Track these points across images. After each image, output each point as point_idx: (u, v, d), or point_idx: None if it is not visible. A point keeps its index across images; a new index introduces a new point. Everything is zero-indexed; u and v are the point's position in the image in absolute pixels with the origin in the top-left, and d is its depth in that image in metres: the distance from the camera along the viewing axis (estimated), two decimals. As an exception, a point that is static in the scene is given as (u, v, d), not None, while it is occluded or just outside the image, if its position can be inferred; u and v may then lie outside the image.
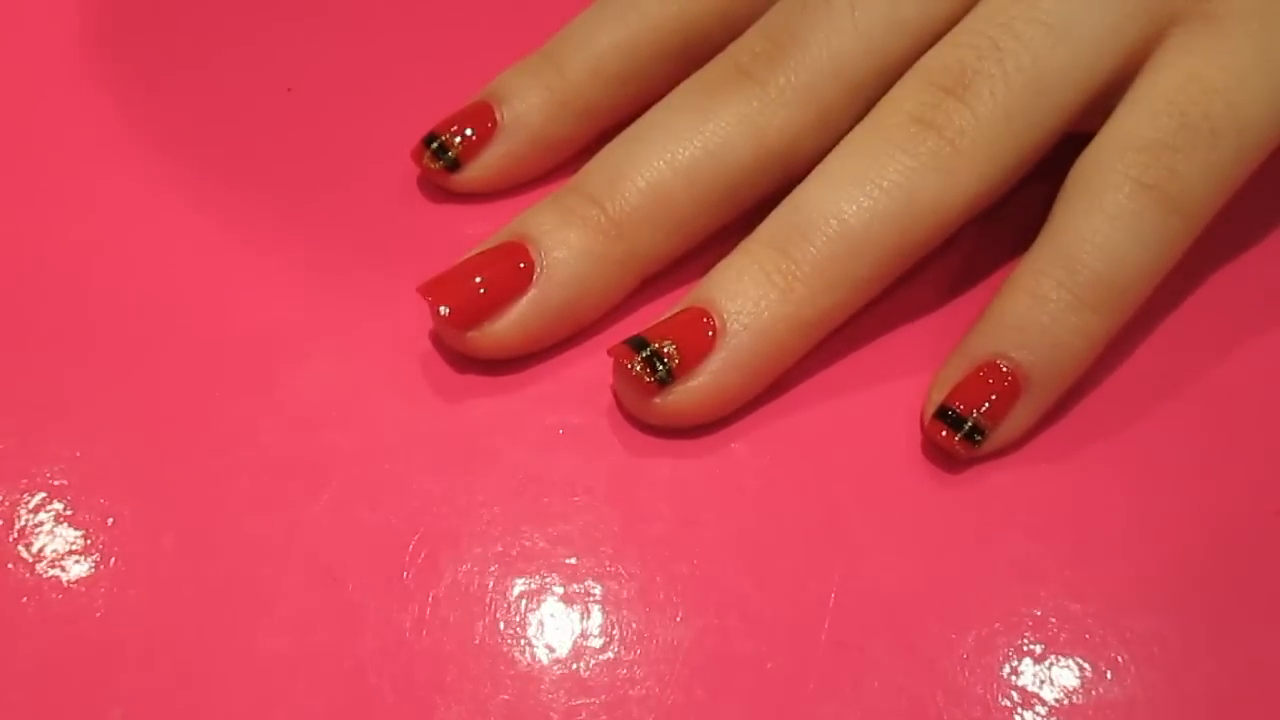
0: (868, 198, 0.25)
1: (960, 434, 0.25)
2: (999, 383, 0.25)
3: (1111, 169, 0.25)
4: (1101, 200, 0.25)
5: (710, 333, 0.25)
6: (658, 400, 0.25)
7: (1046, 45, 0.26)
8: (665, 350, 0.25)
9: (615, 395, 0.26)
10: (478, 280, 0.26)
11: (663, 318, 0.26)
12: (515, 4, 0.33)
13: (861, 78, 0.27)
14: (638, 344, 0.25)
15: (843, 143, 0.26)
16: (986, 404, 0.25)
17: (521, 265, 0.26)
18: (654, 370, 0.25)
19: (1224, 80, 0.25)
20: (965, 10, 0.27)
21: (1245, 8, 0.26)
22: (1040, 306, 0.25)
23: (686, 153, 0.26)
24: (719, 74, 0.27)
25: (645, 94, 0.29)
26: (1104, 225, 0.25)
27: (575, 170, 0.28)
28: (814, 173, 0.26)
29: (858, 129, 0.26)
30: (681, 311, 0.26)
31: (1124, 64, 0.26)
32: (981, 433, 0.25)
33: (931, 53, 0.27)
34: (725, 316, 0.25)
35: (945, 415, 0.25)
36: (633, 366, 0.25)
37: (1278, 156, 0.27)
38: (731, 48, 0.28)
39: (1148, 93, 0.26)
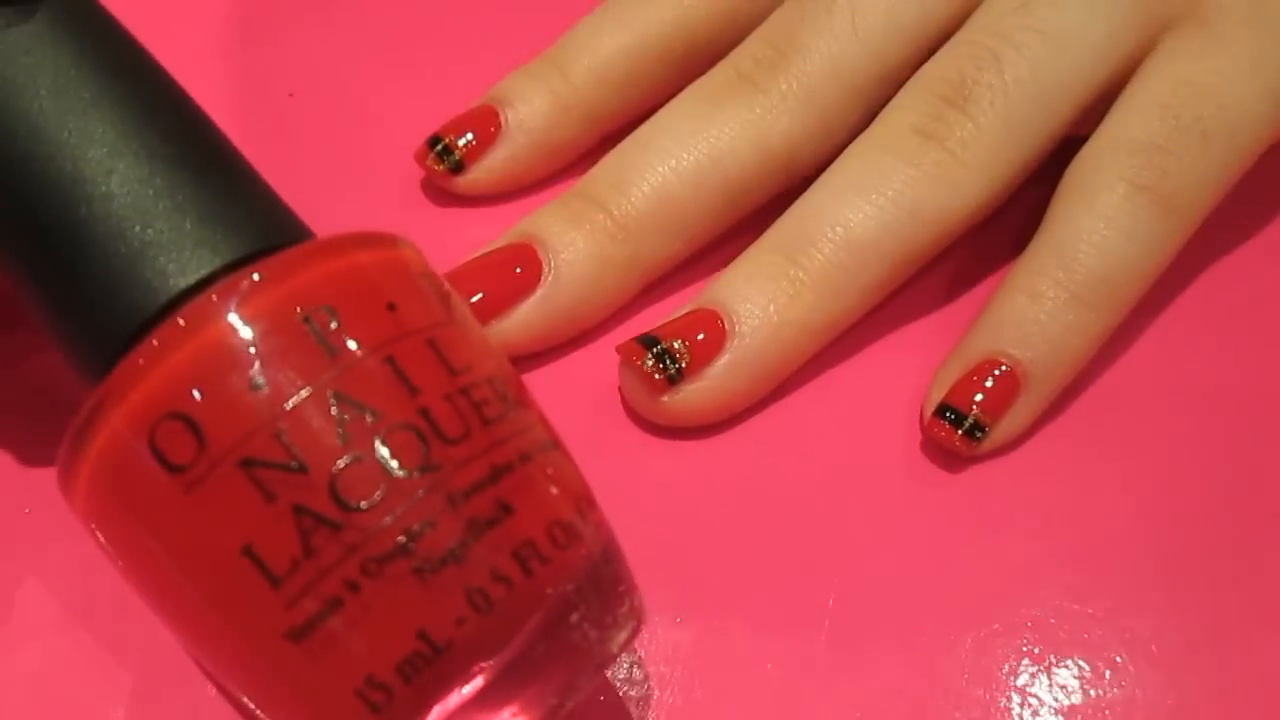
0: (873, 206, 0.25)
1: (961, 430, 0.25)
2: (998, 379, 0.25)
3: (1106, 171, 0.26)
4: (1096, 201, 0.25)
5: (719, 334, 0.25)
6: (665, 399, 0.25)
7: (1045, 55, 0.26)
8: (675, 348, 0.25)
9: (620, 396, 0.26)
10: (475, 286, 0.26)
11: (671, 317, 0.26)
12: (519, 7, 0.33)
13: (862, 83, 0.27)
14: (648, 341, 0.25)
15: (846, 152, 0.27)
16: (986, 400, 0.25)
17: (518, 270, 0.26)
18: (664, 368, 0.25)
19: (1215, 84, 0.26)
20: (965, 15, 0.27)
21: (1236, 15, 0.26)
22: (1037, 304, 0.25)
23: (691, 158, 0.27)
24: (722, 81, 0.27)
25: (648, 99, 0.29)
26: (1099, 224, 0.25)
27: (578, 174, 0.28)
28: (819, 181, 0.27)
29: (861, 139, 0.27)
30: (691, 312, 0.26)
31: (1119, 70, 0.26)
32: (982, 429, 0.25)
33: (931, 62, 0.27)
34: (734, 319, 0.25)
35: (945, 413, 0.25)
36: (644, 363, 0.25)
37: (1273, 156, 0.27)
38: (734, 54, 0.28)
39: (1141, 96, 0.26)
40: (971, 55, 0.26)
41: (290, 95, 0.31)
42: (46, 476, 0.25)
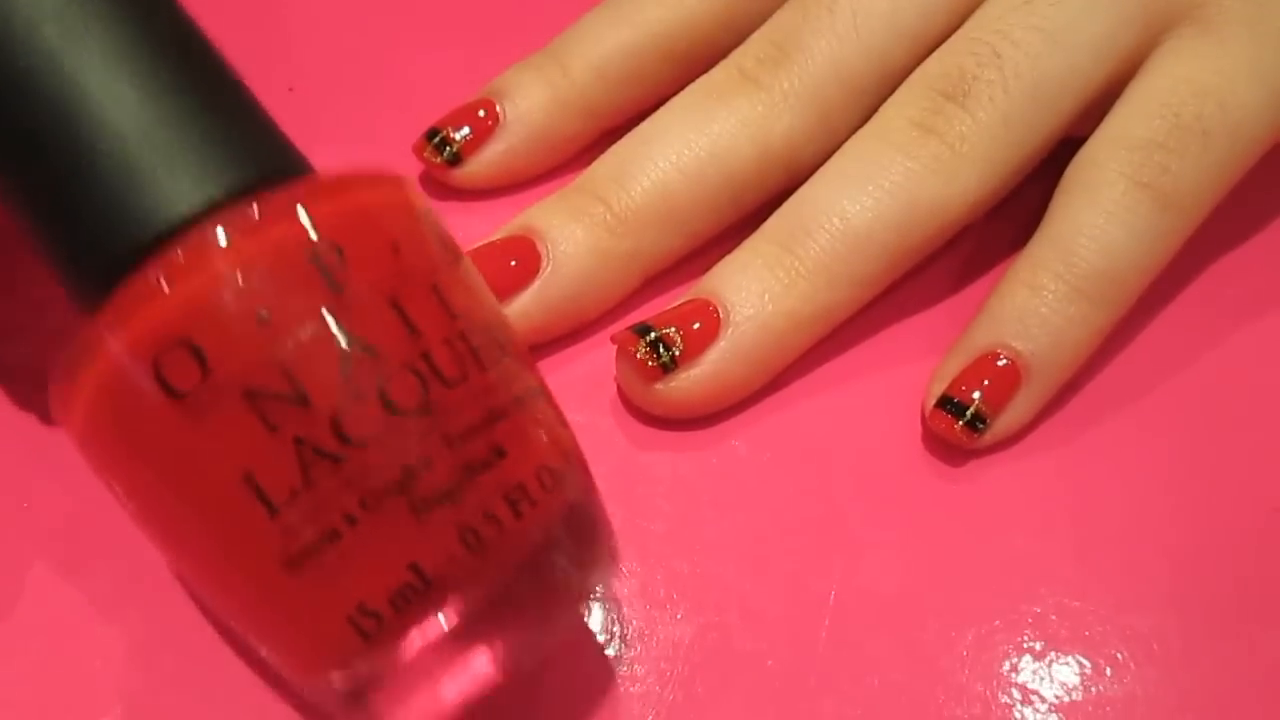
0: (870, 198, 0.25)
1: (962, 422, 0.25)
2: (999, 371, 0.25)
3: (1107, 167, 0.26)
4: (1097, 197, 0.25)
5: (714, 323, 0.25)
6: (660, 387, 0.25)
7: (1044, 52, 0.26)
8: (670, 336, 0.25)
9: (618, 391, 0.26)
10: None
11: (667, 308, 0.26)
12: (519, 3, 0.33)
13: (863, 83, 0.27)
14: (642, 329, 0.25)
15: (845, 146, 0.27)
16: (987, 392, 0.25)
17: (515, 262, 0.26)
18: (658, 355, 0.25)
19: (1216, 83, 0.26)
20: (965, 17, 0.27)
21: (1236, 15, 0.26)
22: (1038, 297, 0.25)
23: (692, 154, 0.27)
24: (724, 79, 0.27)
25: (648, 96, 0.29)
26: (1100, 220, 0.25)
27: (577, 170, 0.28)
28: (818, 173, 0.27)
29: (860, 133, 0.27)
30: (686, 302, 0.26)
31: (1119, 69, 0.27)
32: (983, 420, 0.25)
33: (932, 59, 0.27)
34: (729, 308, 0.25)
35: (947, 404, 0.25)
36: (638, 351, 0.25)
37: (1274, 155, 0.27)
38: (736, 53, 0.28)
39: (1142, 95, 0.26)
40: (972, 52, 0.26)
41: (290, 90, 0.31)
42: (46, 464, 0.25)
